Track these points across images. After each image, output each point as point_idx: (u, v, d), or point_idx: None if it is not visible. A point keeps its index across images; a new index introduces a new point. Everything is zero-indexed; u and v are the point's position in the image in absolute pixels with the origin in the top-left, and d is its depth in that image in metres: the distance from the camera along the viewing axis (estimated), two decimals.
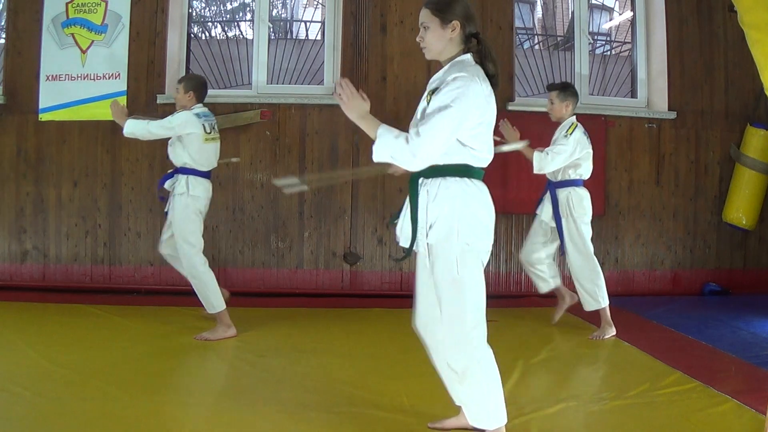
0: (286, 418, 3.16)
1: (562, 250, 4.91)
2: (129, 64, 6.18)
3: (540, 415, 3.21)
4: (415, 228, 2.60)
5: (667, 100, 6.53)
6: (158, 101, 6.12)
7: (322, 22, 6.60)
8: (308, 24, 6.96)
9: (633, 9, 6.78)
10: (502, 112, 6.09)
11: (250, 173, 6.08)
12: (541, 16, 7.62)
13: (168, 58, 6.20)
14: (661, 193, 6.57)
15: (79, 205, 6.21)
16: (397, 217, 2.80)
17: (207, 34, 7.02)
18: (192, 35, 6.67)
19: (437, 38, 2.61)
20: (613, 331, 4.78)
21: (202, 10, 7.10)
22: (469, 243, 2.55)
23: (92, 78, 6.22)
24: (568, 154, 4.63)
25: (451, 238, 2.53)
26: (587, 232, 4.79)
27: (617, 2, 7.38)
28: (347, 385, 3.70)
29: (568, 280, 5.30)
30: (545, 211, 4.89)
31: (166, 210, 4.74)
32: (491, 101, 2.58)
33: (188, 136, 4.55)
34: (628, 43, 6.91)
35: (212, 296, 4.56)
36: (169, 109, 6.14)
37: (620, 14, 7.45)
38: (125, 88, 6.17)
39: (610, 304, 4.88)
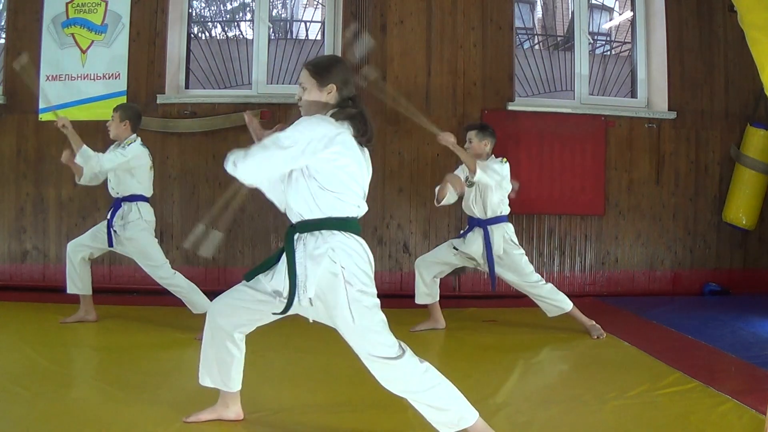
0: (287, 418, 3.15)
1: (492, 286, 4.92)
2: (129, 64, 6.19)
3: (540, 416, 3.20)
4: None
5: (667, 100, 6.54)
6: (158, 101, 6.12)
7: (322, 22, 6.60)
8: (308, 24, 6.96)
9: (633, 9, 6.78)
10: (502, 112, 6.20)
11: None
12: (541, 16, 7.63)
13: (168, 58, 6.20)
14: (661, 193, 6.57)
15: (79, 205, 6.21)
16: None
17: (207, 34, 7.02)
18: (192, 35, 6.68)
19: (314, 99, 2.67)
20: (598, 327, 4.83)
21: (202, 10, 7.10)
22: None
23: (92, 78, 6.23)
24: (501, 173, 4.72)
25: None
26: (525, 259, 4.88)
27: (617, 2, 7.39)
28: (347, 385, 3.70)
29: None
30: (473, 248, 4.84)
31: (111, 245, 4.82)
32: (350, 148, 2.63)
33: (139, 166, 4.74)
34: (628, 43, 6.92)
35: (195, 297, 4.70)
36: (169, 109, 6.18)
37: (620, 14, 7.46)
38: (125, 88, 6.18)
39: (610, 304, 4.88)
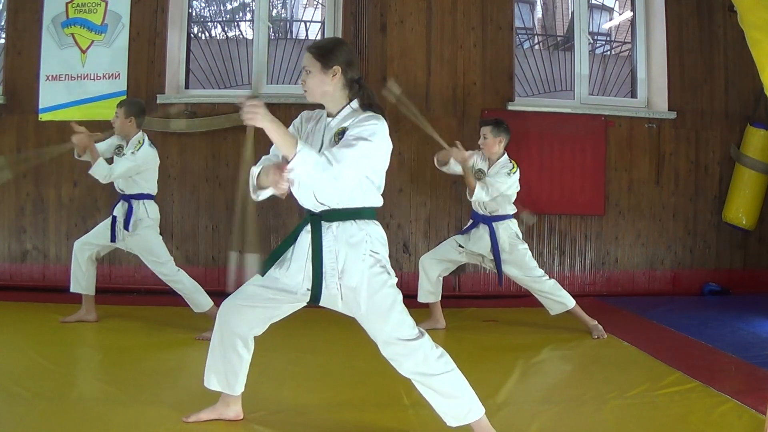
0: (287, 418, 3.15)
1: (499, 281, 5.02)
2: (129, 64, 6.19)
3: (540, 415, 3.20)
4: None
5: (667, 100, 6.54)
6: (158, 101, 6.12)
7: (322, 22, 6.61)
8: (308, 24, 6.96)
9: (633, 9, 6.78)
10: (502, 112, 6.20)
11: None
12: (541, 16, 7.63)
13: (168, 58, 6.20)
14: (661, 193, 6.57)
15: (79, 205, 6.21)
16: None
17: (207, 34, 7.02)
18: (192, 35, 6.68)
19: (318, 83, 2.64)
20: (600, 328, 4.84)
21: (202, 10, 7.10)
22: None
23: (92, 78, 6.22)
24: (502, 189, 4.74)
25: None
26: (529, 254, 4.91)
27: (617, 2, 7.38)
28: (348, 385, 3.72)
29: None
30: (480, 244, 4.87)
31: (114, 240, 4.82)
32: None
33: (147, 169, 4.78)
34: (628, 43, 6.92)
35: (198, 296, 4.71)
36: (169, 110, 6.17)
37: (620, 14, 7.45)
38: (125, 88, 6.17)
39: (611, 304, 4.88)
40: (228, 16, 7.32)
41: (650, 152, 6.53)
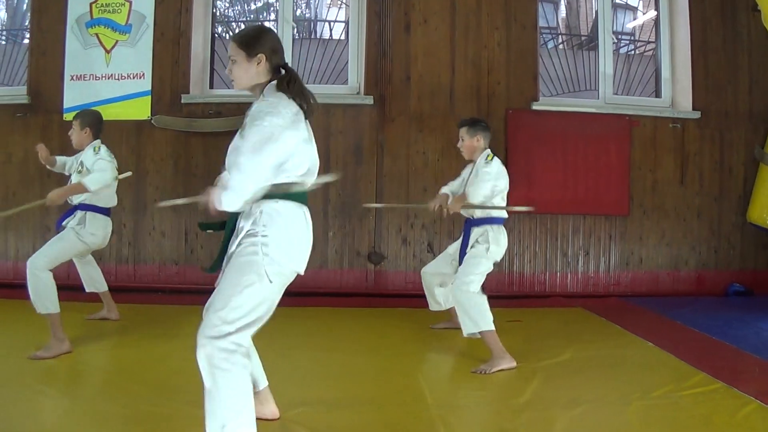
0: (311, 416, 3.16)
1: None
2: (153, 63, 6.21)
3: (564, 416, 3.19)
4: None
5: (691, 100, 6.50)
6: (182, 101, 6.14)
7: (346, 22, 6.61)
8: (332, 24, 6.95)
9: (656, 8, 6.74)
10: (527, 112, 6.19)
11: None
12: (565, 15, 7.59)
13: (192, 58, 6.22)
14: (686, 193, 6.53)
15: None
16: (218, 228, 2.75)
17: (231, 34, 7.02)
18: (216, 35, 6.68)
19: (243, 71, 2.58)
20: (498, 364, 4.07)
21: (226, 10, 7.11)
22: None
23: (117, 78, 6.24)
24: (489, 179, 4.32)
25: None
26: (482, 262, 4.35)
27: (641, 1, 7.36)
28: (371, 383, 3.72)
29: None
30: (454, 246, 4.70)
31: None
32: (300, 123, 2.54)
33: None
34: (652, 42, 6.88)
35: (42, 299, 4.27)
36: (193, 109, 6.19)
37: (644, 13, 7.42)
38: (150, 88, 6.20)
39: (635, 304, 4.80)
40: (252, 15, 7.33)
41: (674, 152, 6.50)
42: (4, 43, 6.93)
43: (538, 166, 6.21)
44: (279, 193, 2.50)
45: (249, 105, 2.54)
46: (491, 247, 4.31)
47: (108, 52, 6.27)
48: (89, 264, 4.99)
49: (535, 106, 6.25)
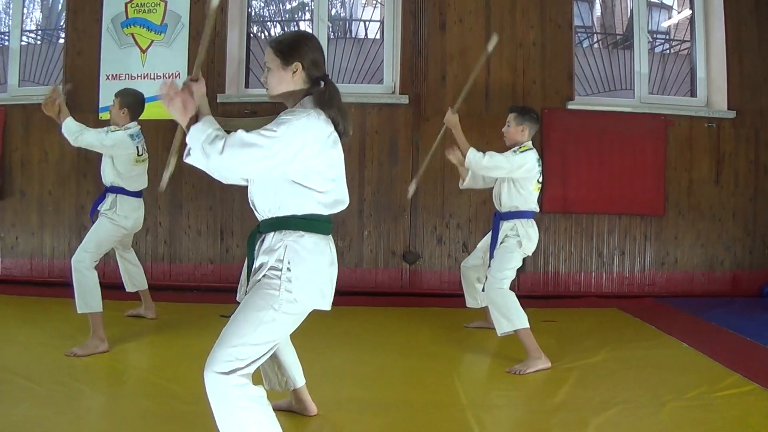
0: (344, 416, 3.19)
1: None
2: (189, 63, 6.21)
3: (597, 417, 3.19)
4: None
5: (727, 99, 6.44)
6: (218, 100, 6.15)
7: (381, 21, 6.60)
8: (367, 23, 6.95)
9: (691, 7, 6.70)
10: (562, 111, 6.16)
11: None
12: (600, 14, 7.56)
13: (228, 58, 6.23)
14: (721, 193, 6.48)
15: None
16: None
17: (266, 34, 7.04)
18: (252, 35, 6.69)
19: (278, 79, 2.43)
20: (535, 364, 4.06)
21: (262, 10, 7.12)
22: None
23: (152, 77, 6.27)
24: (505, 165, 4.21)
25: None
26: (514, 257, 4.30)
27: (676, 0, 7.31)
28: (404, 384, 3.75)
29: None
30: (485, 240, 4.65)
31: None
32: (335, 145, 2.39)
33: (119, 156, 4.52)
34: (688, 41, 6.83)
35: (85, 297, 4.29)
36: (228, 109, 6.20)
37: (679, 12, 7.37)
38: None
39: (669, 305, 4.76)
40: (287, 15, 7.33)
41: (710, 152, 6.45)
42: (39, 42, 6.97)
43: (573, 165, 6.18)
44: (304, 224, 2.34)
45: (283, 105, 2.48)
46: (523, 241, 4.24)
47: (143, 51, 6.30)
48: (130, 261, 5.01)
49: (571, 106, 6.22)
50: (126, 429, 3.00)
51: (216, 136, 2.20)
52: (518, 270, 4.96)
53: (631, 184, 6.28)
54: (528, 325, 4.03)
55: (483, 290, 4.42)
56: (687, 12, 6.92)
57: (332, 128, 2.37)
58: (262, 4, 7.12)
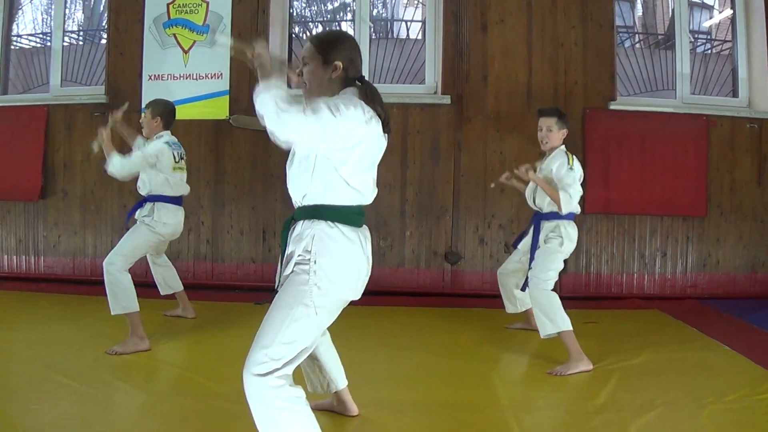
0: (384, 416, 3.19)
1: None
2: (231, 64, 6.26)
3: (638, 419, 3.18)
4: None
5: None
6: None
7: (423, 22, 6.59)
8: (409, 23, 6.95)
9: (732, 7, 6.64)
10: (604, 112, 6.13)
11: None
12: (641, 14, 7.51)
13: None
14: (763, 194, 6.40)
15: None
16: None
17: (308, 34, 7.06)
18: (293, 35, 6.71)
19: (316, 78, 2.38)
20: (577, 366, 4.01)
21: (303, 11, 7.13)
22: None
23: (195, 78, 6.31)
24: (579, 191, 4.23)
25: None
26: (558, 258, 4.26)
27: (717, 0, 7.26)
28: (445, 385, 3.75)
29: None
30: (524, 242, 4.59)
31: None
32: (377, 139, 2.36)
33: (159, 164, 4.51)
34: (729, 41, 6.78)
35: (119, 299, 4.27)
36: None
37: (720, 12, 7.31)
38: (228, 88, 6.25)
39: (711, 307, 4.72)
40: (329, 16, 7.35)
41: (752, 153, 6.38)
42: (81, 43, 7.03)
43: (615, 166, 6.16)
44: (333, 214, 2.31)
45: None
46: (564, 241, 4.21)
47: (186, 52, 6.34)
48: (162, 266, 5.01)
49: (613, 106, 6.18)
50: (166, 427, 3.03)
51: (285, 105, 2.14)
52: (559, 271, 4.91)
53: (673, 185, 6.24)
54: (571, 327, 4.01)
55: (523, 290, 4.46)
56: (728, 12, 6.86)
57: (374, 120, 2.32)
58: (304, 5, 7.13)
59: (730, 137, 6.36)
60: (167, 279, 5.04)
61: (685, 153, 6.26)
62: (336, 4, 7.41)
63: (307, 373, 3.06)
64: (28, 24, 7.30)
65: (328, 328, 2.61)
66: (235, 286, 6.21)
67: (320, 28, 6.92)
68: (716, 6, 7.31)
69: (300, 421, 2.23)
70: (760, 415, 3.24)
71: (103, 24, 6.87)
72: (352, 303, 2.43)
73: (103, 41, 6.72)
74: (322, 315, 2.30)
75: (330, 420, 3.07)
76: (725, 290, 6.35)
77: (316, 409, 2.65)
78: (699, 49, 6.96)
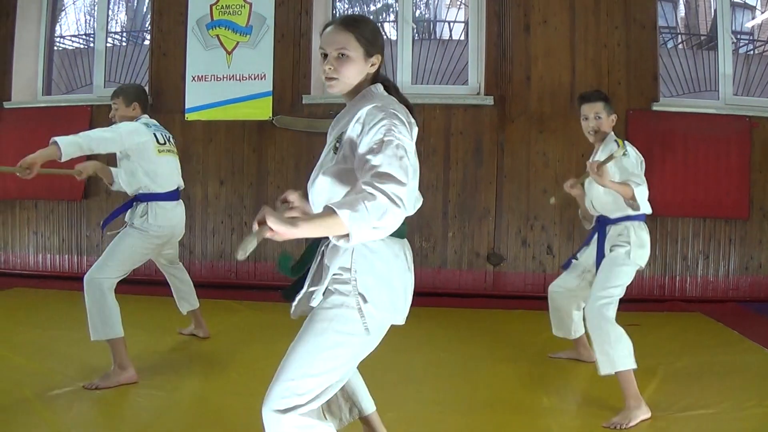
0: (426, 418, 3.21)
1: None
2: (274, 65, 6.30)
3: (678, 423, 3.19)
4: None
5: None
6: (303, 101, 6.22)
7: (466, 22, 6.61)
8: (452, 24, 6.95)
9: None
10: (647, 113, 6.11)
11: None
12: (684, 14, 7.47)
13: (313, 59, 6.30)
14: None
15: (225, 203, 6.36)
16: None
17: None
18: None
19: (356, 70, 2.04)
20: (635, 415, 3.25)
21: (346, 11, 7.16)
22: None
23: (238, 78, 6.35)
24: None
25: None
26: (626, 271, 3.63)
27: (759, 0, 7.21)
28: (486, 387, 3.74)
29: None
30: (588, 253, 3.95)
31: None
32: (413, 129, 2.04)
33: (137, 151, 3.86)
34: None
35: (100, 317, 3.68)
36: (314, 110, 6.26)
37: (762, 12, 7.26)
38: (271, 89, 6.29)
39: (753, 310, 4.68)
40: (371, 16, 7.37)
41: None
42: (124, 44, 7.10)
43: (658, 167, 6.12)
44: None
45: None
46: (633, 249, 3.56)
47: (229, 53, 6.38)
48: (179, 278, 4.49)
49: (656, 107, 6.15)
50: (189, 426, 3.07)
51: (367, 198, 1.71)
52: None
53: (715, 187, 6.20)
54: (631, 367, 3.28)
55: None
56: None
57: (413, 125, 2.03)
58: (347, 6, 7.17)
59: None
60: (185, 295, 4.51)
61: (727, 154, 6.23)
62: (379, 5, 7.44)
63: (327, 401, 2.45)
64: (71, 25, 7.40)
65: None
66: (277, 285, 6.22)
67: None
68: (759, 6, 7.26)
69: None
70: None
71: (147, 25, 6.94)
72: None
73: (147, 42, 6.78)
74: (359, 344, 1.99)
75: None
76: (767, 293, 6.31)
77: None
78: (741, 50, 6.91)
